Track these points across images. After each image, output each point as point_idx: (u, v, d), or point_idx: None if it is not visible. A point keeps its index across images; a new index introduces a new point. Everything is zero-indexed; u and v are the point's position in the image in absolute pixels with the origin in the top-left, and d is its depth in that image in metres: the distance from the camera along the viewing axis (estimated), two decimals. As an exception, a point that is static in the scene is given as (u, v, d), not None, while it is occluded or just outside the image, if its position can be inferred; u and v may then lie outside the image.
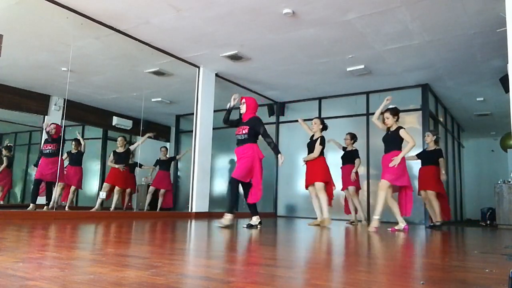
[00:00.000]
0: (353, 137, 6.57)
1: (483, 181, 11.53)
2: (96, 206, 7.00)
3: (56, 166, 6.44)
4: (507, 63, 2.93)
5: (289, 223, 6.06)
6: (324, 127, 5.79)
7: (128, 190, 7.80)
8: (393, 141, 4.89)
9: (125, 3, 4.83)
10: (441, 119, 8.83)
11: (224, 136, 9.49)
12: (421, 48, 5.86)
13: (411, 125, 7.70)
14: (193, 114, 7.14)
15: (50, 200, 6.48)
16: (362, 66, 6.65)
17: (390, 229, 4.75)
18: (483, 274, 1.76)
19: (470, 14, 4.81)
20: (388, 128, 5.01)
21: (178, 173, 10.52)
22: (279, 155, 4.62)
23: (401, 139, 4.85)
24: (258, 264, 1.90)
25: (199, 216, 6.59)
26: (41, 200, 6.53)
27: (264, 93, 8.52)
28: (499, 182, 7.25)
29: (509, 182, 7.15)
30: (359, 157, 6.40)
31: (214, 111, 7.36)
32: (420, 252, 2.94)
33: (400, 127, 4.88)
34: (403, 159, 4.77)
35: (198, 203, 6.77)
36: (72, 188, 7.17)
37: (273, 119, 9.13)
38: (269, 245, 2.95)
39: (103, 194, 7.12)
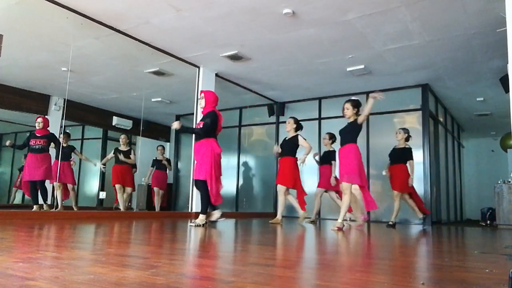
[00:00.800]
0: (332, 137, 6.44)
1: (483, 181, 11.53)
2: (122, 209, 7.00)
3: (47, 163, 6.12)
4: (507, 63, 2.93)
5: (289, 223, 6.06)
6: (298, 127, 5.79)
7: (128, 190, 7.71)
8: (350, 132, 4.66)
9: (125, 3, 4.83)
10: (441, 119, 8.83)
11: (224, 136, 9.48)
12: (421, 48, 5.86)
13: (411, 125, 7.70)
14: (193, 114, 7.14)
15: (47, 198, 6.24)
16: (362, 66, 6.65)
17: (356, 227, 4.56)
18: (483, 274, 1.76)
19: (470, 14, 4.81)
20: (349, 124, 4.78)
21: (178, 173, 10.52)
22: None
23: (357, 131, 4.65)
24: (258, 264, 1.90)
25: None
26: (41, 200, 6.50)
27: (264, 93, 8.52)
28: (499, 182, 7.25)
29: (509, 182, 7.15)
30: (334, 159, 6.17)
31: (214, 111, 7.35)
32: (420, 252, 2.94)
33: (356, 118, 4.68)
34: (358, 155, 4.56)
35: (198, 203, 6.75)
36: (70, 186, 6.91)
37: (273, 119, 9.13)
38: (269, 245, 2.95)
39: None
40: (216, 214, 4.64)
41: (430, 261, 2.30)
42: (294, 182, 5.70)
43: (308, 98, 8.71)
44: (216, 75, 7.30)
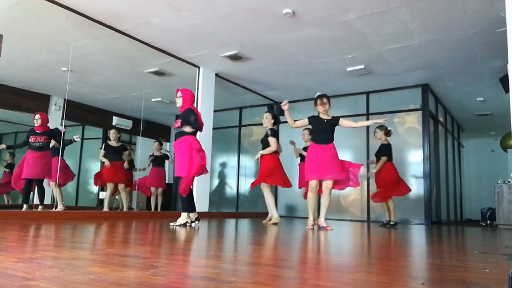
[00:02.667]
0: (311, 133, 6.23)
1: (483, 181, 11.53)
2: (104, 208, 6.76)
3: (46, 161, 5.88)
4: (507, 63, 2.93)
5: (289, 223, 6.06)
6: (276, 121, 5.77)
7: (121, 186, 7.44)
8: None
9: (125, 3, 4.83)
10: (441, 119, 8.83)
11: (224, 136, 9.51)
12: (421, 48, 5.86)
13: (411, 125, 7.71)
14: (193, 114, 7.11)
15: (43, 200, 5.98)
16: (362, 66, 6.65)
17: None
18: (483, 274, 1.76)
19: (470, 14, 4.81)
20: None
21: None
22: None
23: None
24: (258, 264, 1.90)
25: (199, 216, 6.57)
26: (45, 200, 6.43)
27: (264, 93, 8.52)
28: (499, 182, 7.24)
29: (509, 182, 7.15)
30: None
31: (214, 111, 7.36)
32: (420, 252, 2.94)
33: None
34: (309, 154, 4.81)
35: (198, 203, 6.74)
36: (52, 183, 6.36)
37: (273, 119, 9.12)
38: (269, 245, 2.95)
39: (103, 195, 7.04)
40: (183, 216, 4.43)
41: (430, 261, 2.30)
42: (276, 180, 5.65)
43: (308, 98, 8.68)
44: (216, 75, 7.30)
